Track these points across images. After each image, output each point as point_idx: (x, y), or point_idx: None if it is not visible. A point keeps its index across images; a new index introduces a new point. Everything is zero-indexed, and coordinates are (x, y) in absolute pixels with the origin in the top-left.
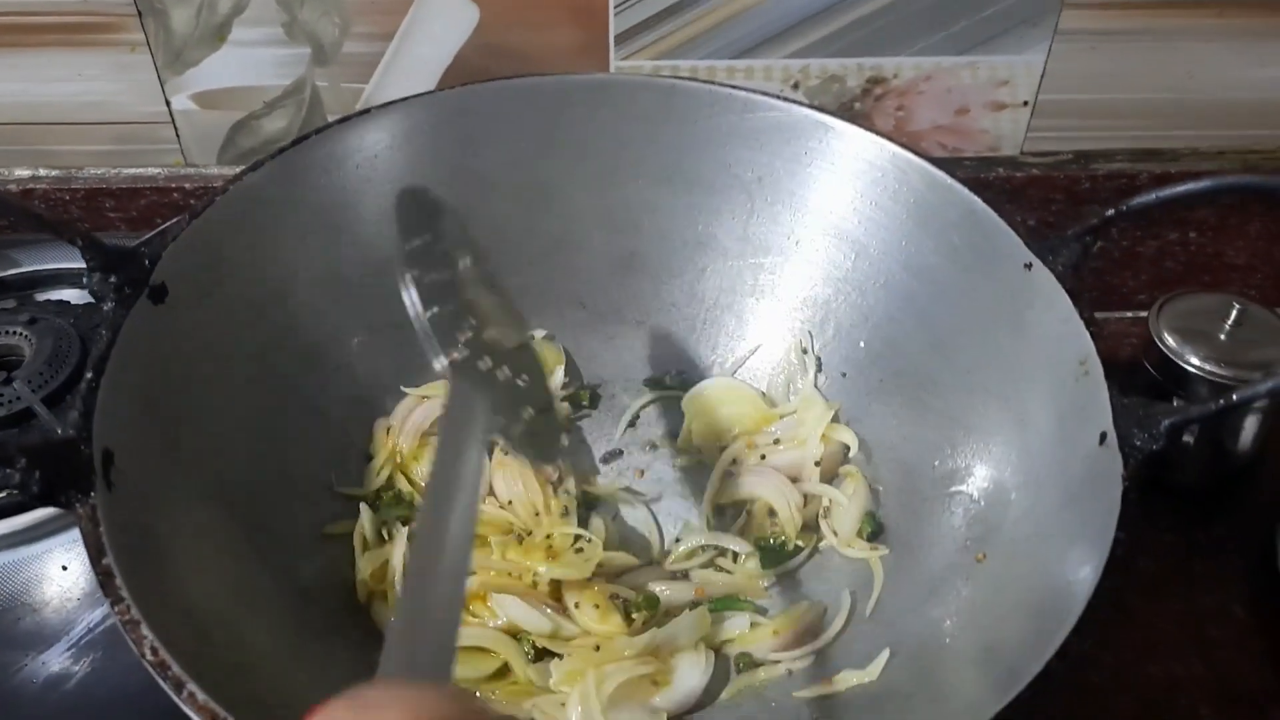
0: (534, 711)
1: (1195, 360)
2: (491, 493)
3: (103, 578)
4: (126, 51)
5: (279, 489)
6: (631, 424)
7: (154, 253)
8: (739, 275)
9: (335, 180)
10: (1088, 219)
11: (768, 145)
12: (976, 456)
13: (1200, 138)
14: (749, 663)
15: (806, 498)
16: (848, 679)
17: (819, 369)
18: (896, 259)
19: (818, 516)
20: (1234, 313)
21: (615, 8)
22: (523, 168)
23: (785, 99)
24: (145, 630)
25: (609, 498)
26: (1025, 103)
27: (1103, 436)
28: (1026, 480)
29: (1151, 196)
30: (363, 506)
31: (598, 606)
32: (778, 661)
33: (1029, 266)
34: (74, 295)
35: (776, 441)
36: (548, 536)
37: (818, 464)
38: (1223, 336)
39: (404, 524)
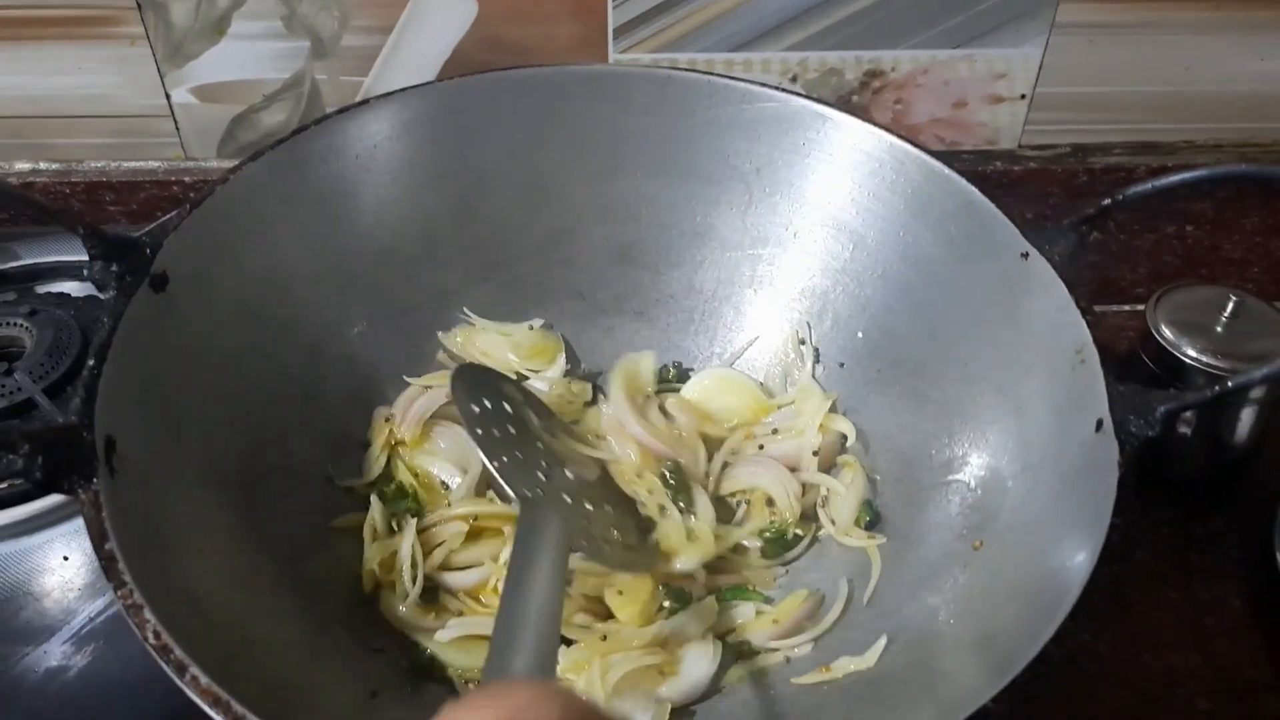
0: None
1: (1192, 352)
2: None
3: (106, 563)
4: (126, 45)
5: (280, 478)
6: None
7: (155, 242)
8: (737, 266)
9: (335, 170)
10: (1084, 209)
11: (766, 136)
12: (973, 445)
13: (1197, 131)
14: (748, 650)
15: (805, 487)
16: (845, 665)
17: (817, 359)
18: (894, 249)
19: (816, 506)
20: (1230, 305)
21: (614, 1)
22: (521, 159)
23: (783, 90)
24: (148, 614)
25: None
26: (1023, 96)
27: (1099, 424)
28: (1023, 468)
29: (1148, 186)
30: (373, 498)
31: (622, 593)
32: (776, 649)
33: (1026, 256)
34: (74, 287)
35: (774, 432)
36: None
37: (816, 454)
38: (1219, 329)
39: (413, 515)
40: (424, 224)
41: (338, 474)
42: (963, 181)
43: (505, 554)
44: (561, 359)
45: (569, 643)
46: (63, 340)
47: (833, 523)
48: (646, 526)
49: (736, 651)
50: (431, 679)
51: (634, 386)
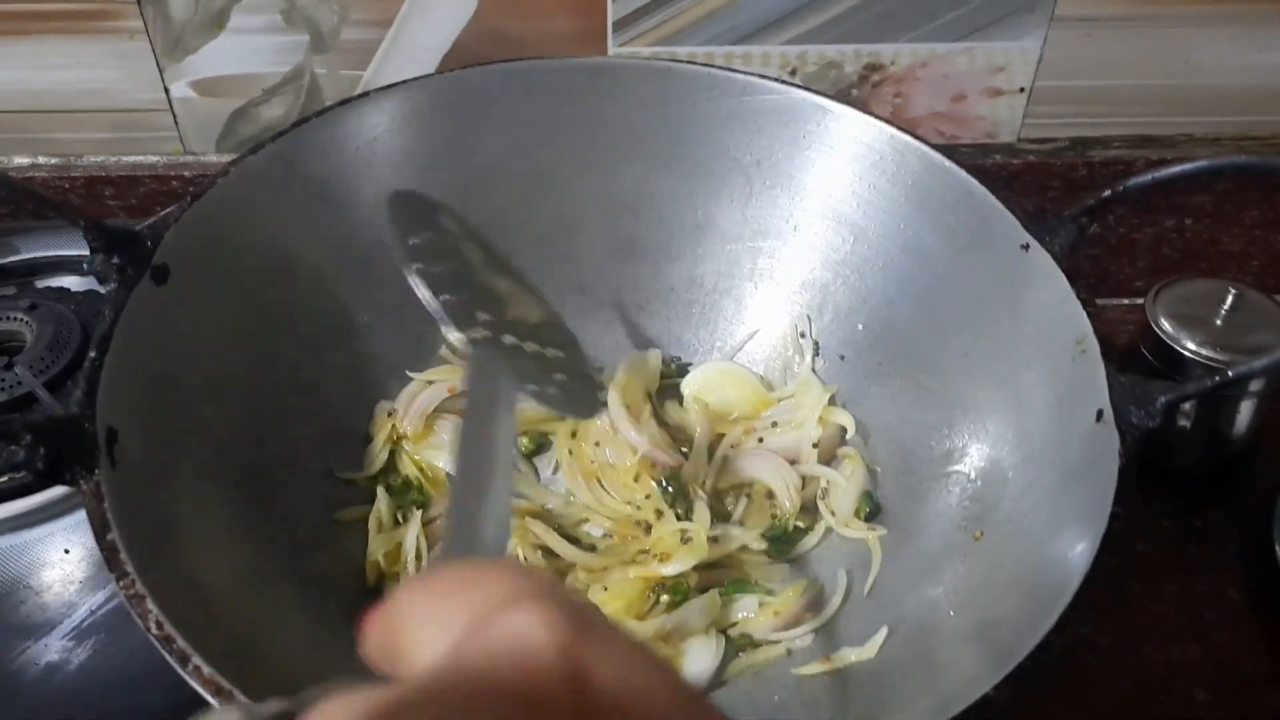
0: None
1: (1191, 345)
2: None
3: (108, 553)
4: (125, 39)
5: (281, 470)
6: None
7: (156, 234)
8: (737, 259)
9: (335, 163)
10: (1084, 200)
11: (766, 129)
12: (974, 436)
13: (1196, 124)
14: (749, 643)
15: (805, 479)
16: (846, 656)
17: (816, 352)
18: (894, 242)
19: (816, 498)
20: (1230, 298)
21: None
22: (521, 151)
23: (784, 82)
24: (150, 604)
25: None
26: (1022, 89)
27: (1099, 414)
28: (1024, 459)
29: (1148, 177)
30: (380, 490)
31: (607, 589)
32: (778, 641)
33: (1026, 248)
34: (74, 282)
35: (774, 425)
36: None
37: (815, 446)
38: (1219, 322)
39: (418, 508)
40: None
41: (339, 467)
42: (963, 173)
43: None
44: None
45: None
46: (63, 335)
47: (833, 514)
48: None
49: (738, 644)
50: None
51: (634, 389)
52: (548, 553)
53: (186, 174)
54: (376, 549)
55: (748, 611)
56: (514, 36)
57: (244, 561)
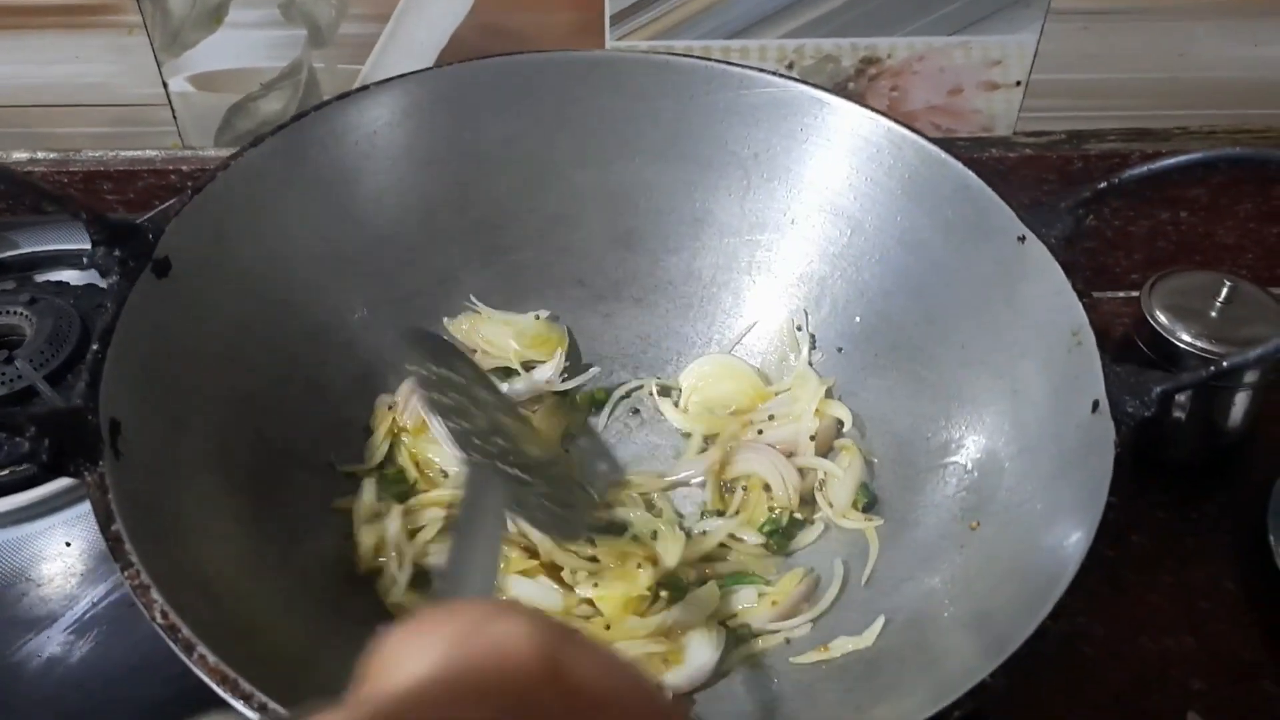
0: None
1: (1186, 337)
2: None
3: (112, 544)
4: (124, 33)
5: (282, 462)
6: (626, 396)
7: (157, 227)
8: (736, 252)
9: (335, 157)
10: (1080, 192)
11: (764, 122)
12: (970, 427)
13: (1191, 117)
14: (748, 633)
15: (802, 471)
16: (844, 645)
17: (813, 346)
18: (891, 234)
19: (813, 489)
20: (1224, 290)
21: None
22: (520, 145)
23: (781, 75)
24: (155, 594)
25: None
26: (1018, 83)
27: (1095, 404)
28: (1020, 449)
29: (1143, 169)
30: (365, 481)
31: (597, 585)
32: (776, 631)
33: (1022, 239)
34: (73, 276)
35: (771, 418)
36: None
37: (813, 438)
38: (1214, 314)
39: (399, 500)
40: (423, 210)
41: (339, 459)
42: (959, 166)
43: None
44: (561, 353)
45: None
46: (62, 328)
47: (830, 506)
48: (583, 503)
49: (737, 634)
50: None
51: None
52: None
53: (185, 168)
54: (364, 540)
55: (747, 602)
56: (511, 30)
57: (245, 551)
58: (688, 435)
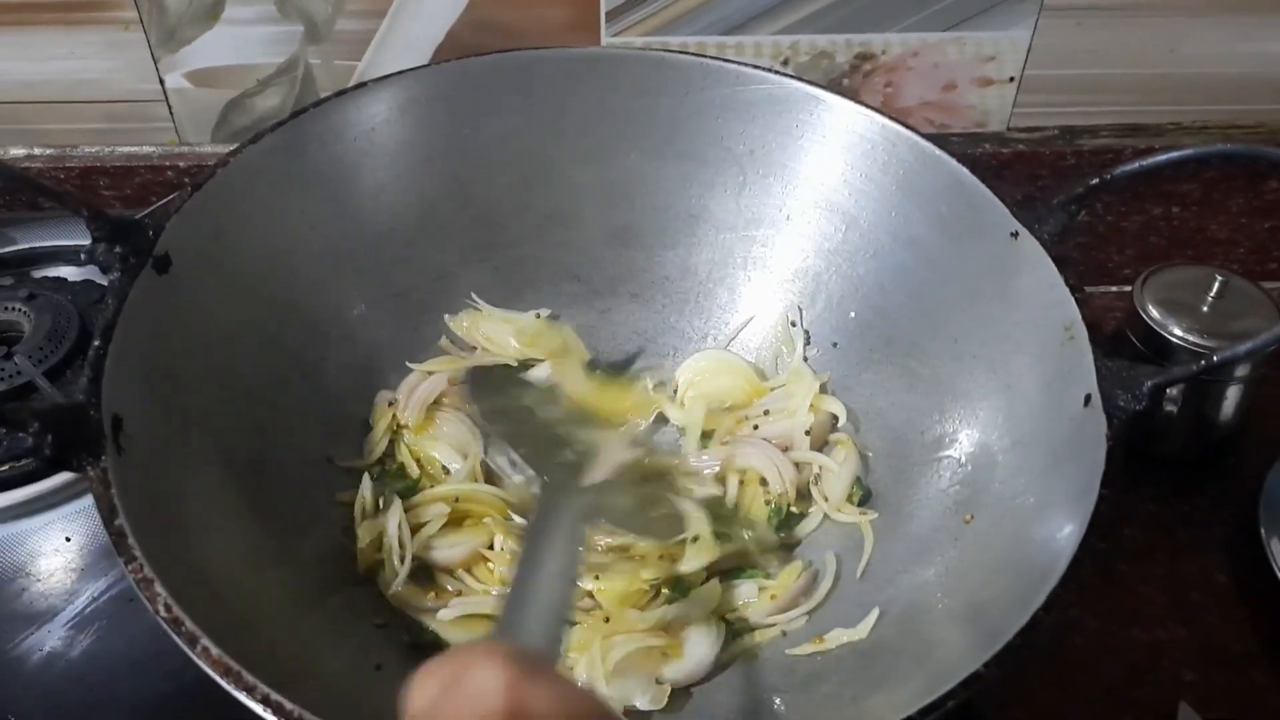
0: None
1: (1178, 331)
2: None
3: (116, 538)
4: (120, 30)
5: (283, 456)
6: None
7: (158, 224)
8: (731, 248)
9: (333, 153)
10: (1073, 188)
11: (760, 118)
12: (964, 421)
13: (1184, 113)
14: (745, 626)
15: (798, 465)
16: (839, 637)
17: (807, 342)
18: (886, 230)
19: (809, 484)
20: (1216, 285)
21: None
22: (517, 141)
23: (777, 72)
24: (159, 588)
25: None
26: (1011, 78)
27: (1087, 398)
28: (1013, 443)
29: (1135, 166)
30: (365, 476)
31: (598, 578)
32: (773, 624)
33: (1015, 235)
34: (70, 272)
35: (766, 413)
36: None
37: (808, 433)
38: (1205, 308)
39: (401, 496)
40: (421, 206)
41: (338, 454)
42: (953, 162)
43: (498, 542)
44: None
45: (571, 624)
46: (61, 324)
47: (825, 499)
48: (675, 498)
49: (735, 628)
50: (435, 656)
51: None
52: None
53: (181, 164)
54: (363, 536)
55: (748, 597)
56: (507, 26)
57: (247, 545)
58: (683, 430)
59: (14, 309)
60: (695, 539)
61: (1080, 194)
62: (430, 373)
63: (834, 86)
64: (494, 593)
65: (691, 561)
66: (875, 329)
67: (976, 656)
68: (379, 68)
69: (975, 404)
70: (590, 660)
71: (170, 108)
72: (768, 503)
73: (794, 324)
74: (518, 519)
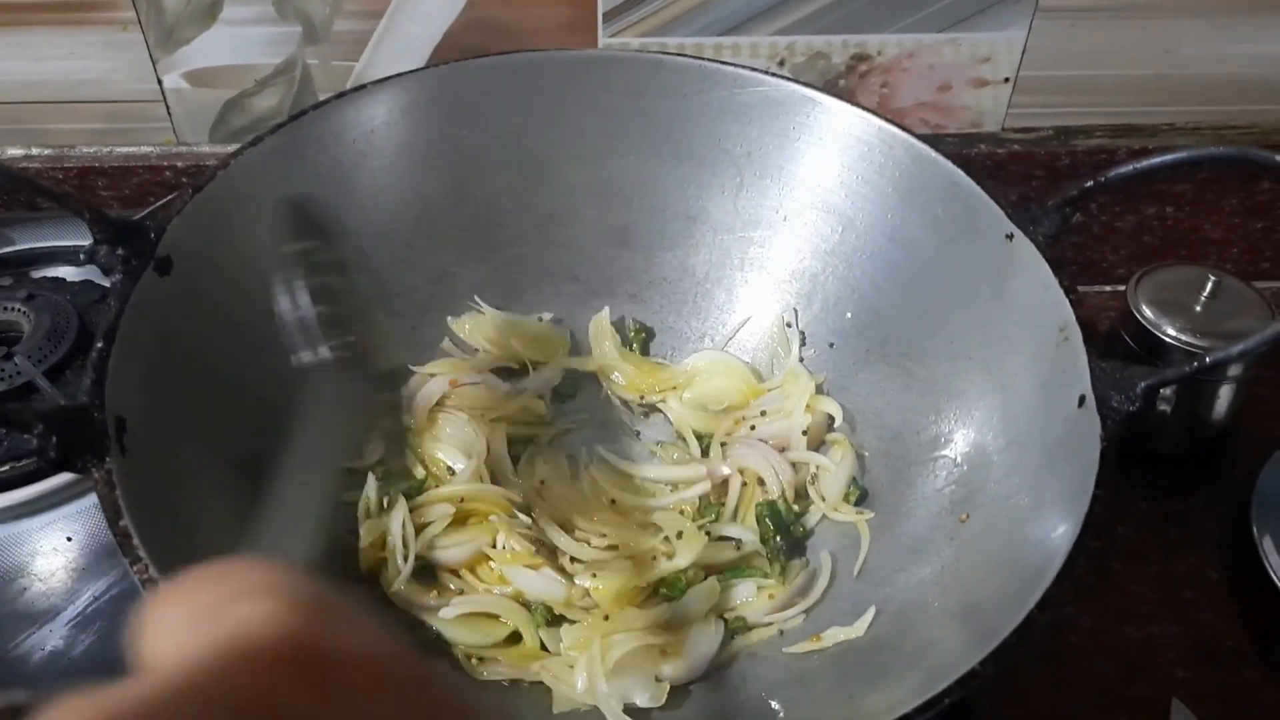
0: (541, 673)
1: (1172, 331)
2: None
3: (121, 539)
4: (118, 30)
5: (283, 456)
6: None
7: (159, 226)
8: (729, 249)
9: (333, 155)
10: (1067, 190)
11: (757, 120)
12: (960, 421)
13: (1177, 114)
14: (743, 625)
15: (795, 466)
16: (835, 635)
17: (803, 342)
18: (882, 231)
19: (806, 484)
20: (1209, 285)
21: None
22: (515, 142)
23: (774, 75)
24: None
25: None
26: (1006, 79)
27: (1081, 399)
28: (1008, 443)
29: (1129, 168)
30: (370, 476)
31: (595, 575)
32: (770, 623)
33: (1010, 237)
34: (69, 272)
35: (763, 413)
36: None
37: (805, 433)
38: (1198, 308)
39: (406, 496)
40: (420, 207)
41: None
42: (949, 164)
43: (500, 540)
44: (563, 355)
45: (572, 622)
46: (60, 324)
47: (822, 499)
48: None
49: (733, 627)
50: (439, 655)
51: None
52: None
53: (179, 164)
54: (366, 536)
55: (746, 596)
56: (505, 26)
57: (249, 544)
58: (680, 431)
59: (13, 309)
60: (680, 534)
61: (1074, 196)
62: (432, 375)
63: (830, 88)
64: (496, 592)
65: (683, 555)
66: (871, 330)
67: (972, 655)
68: (376, 68)
69: (971, 404)
70: (590, 658)
71: (168, 108)
72: (768, 503)
73: (789, 325)
74: (522, 517)
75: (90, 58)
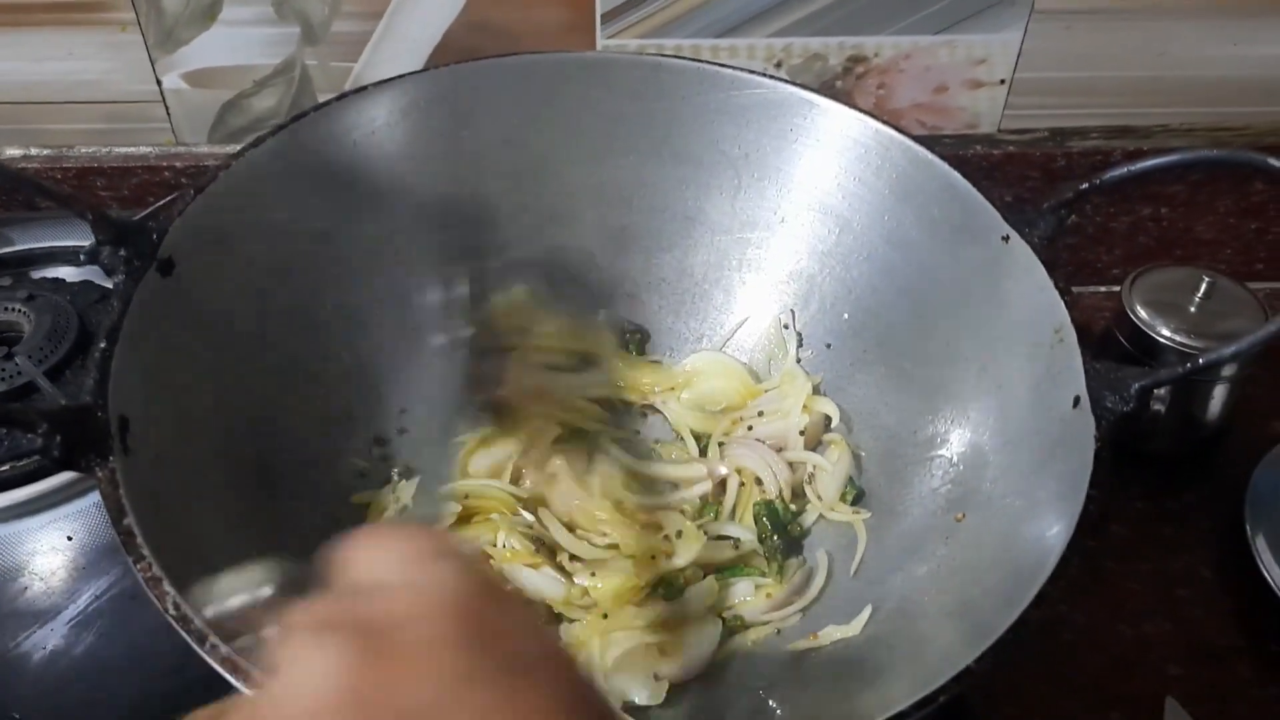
0: None
1: (1166, 331)
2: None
3: (124, 538)
4: (117, 31)
5: (285, 455)
6: None
7: (161, 227)
8: (727, 250)
9: (334, 156)
10: (1063, 193)
11: (754, 122)
12: (955, 422)
13: (1172, 115)
14: (741, 624)
15: (792, 465)
16: (832, 634)
17: (800, 344)
18: (879, 233)
19: (803, 483)
20: (1203, 286)
21: None
22: (515, 144)
23: (771, 77)
24: (167, 586)
25: None
26: (1002, 81)
27: (1076, 400)
28: (1004, 443)
29: (1124, 170)
30: (395, 476)
31: (594, 574)
32: (768, 621)
33: (1006, 239)
34: (69, 272)
35: (761, 414)
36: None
37: (802, 433)
38: (1192, 309)
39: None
40: (420, 208)
41: (342, 454)
42: (945, 167)
43: (500, 539)
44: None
45: (571, 620)
46: (60, 324)
47: (819, 499)
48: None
49: (730, 625)
50: None
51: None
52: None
53: (178, 164)
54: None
55: (744, 595)
56: (503, 27)
57: (252, 544)
58: (678, 431)
59: (13, 309)
60: (679, 534)
61: (1070, 198)
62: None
63: (827, 89)
64: None
65: (683, 554)
66: (868, 330)
67: (967, 652)
68: (375, 69)
69: (967, 404)
70: (588, 657)
71: (167, 108)
72: (766, 502)
73: (786, 326)
74: (524, 515)
75: (89, 58)
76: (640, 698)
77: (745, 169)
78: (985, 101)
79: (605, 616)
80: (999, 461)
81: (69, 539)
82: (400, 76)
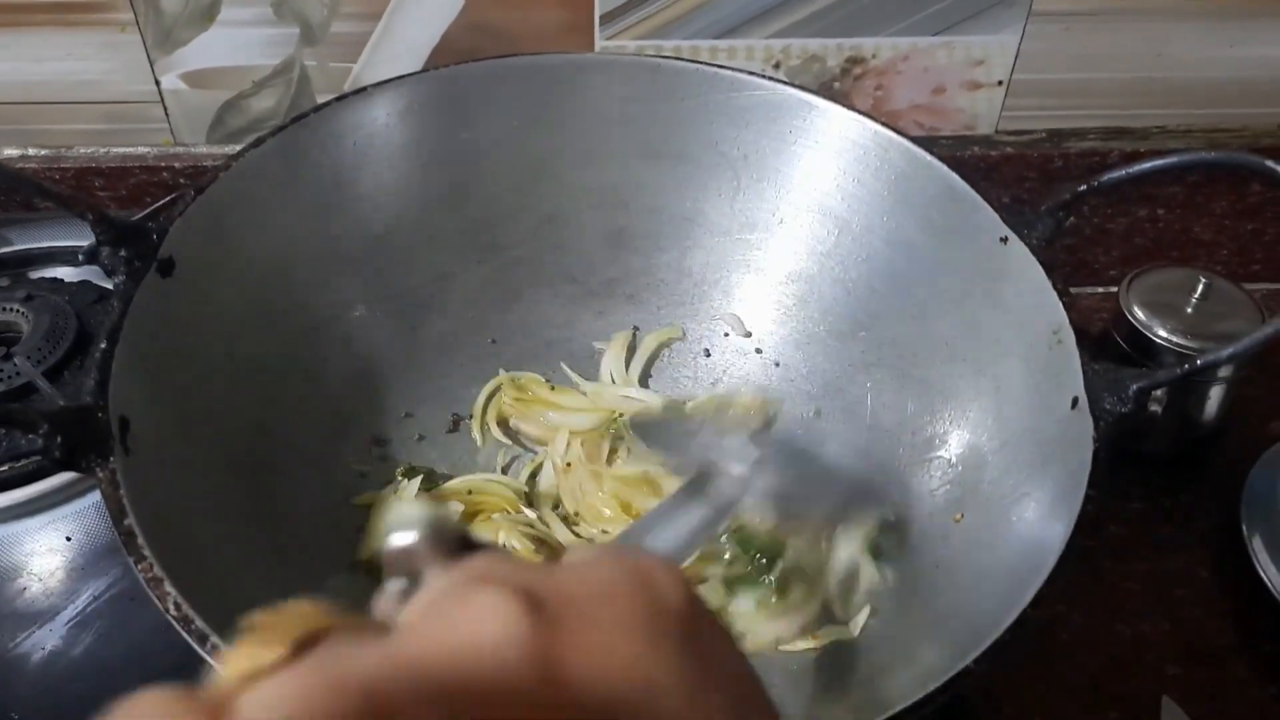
0: None
1: (1163, 332)
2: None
3: (125, 538)
4: (116, 31)
5: (286, 455)
6: None
7: (161, 227)
8: (726, 251)
9: (333, 157)
10: (1060, 195)
11: (753, 123)
12: (954, 423)
13: (1169, 117)
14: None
15: None
16: (830, 634)
17: (798, 345)
18: (878, 234)
19: None
20: (1200, 286)
21: None
22: (514, 145)
23: (770, 78)
24: (168, 587)
25: None
26: (1000, 82)
27: (1074, 401)
28: (1002, 444)
29: (1121, 172)
30: (400, 475)
31: None
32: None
33: (1005, 240)
34: (67, 273)
35: None
36: None
37: None
38: (1189, 309)
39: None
40: (419, 209)
41: (341, 454)
42: (944, 168)
43: (501, 538)
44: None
45: None
46: (59, 325)
47: None
48: None
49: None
50: None
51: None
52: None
53: (177, 165)
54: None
55: (746, 608)
56: (502, 29)
57: (253, 543)
58: None
59: (12, 310)
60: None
61: (1068, 200)
62: None
63: (825, 90)
64: None
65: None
66: (867, 331)
67: (965, 653)
68: (374, 70)
69: (965, 405)
70: None
71: (166, 109)
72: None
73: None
74: (528, 512)
75: (88, 58)
76: None
77: (744, 170)
78: (983, 103)
79: None
80: (997, 462)
81: (68, 539)
82: (399, 77)
